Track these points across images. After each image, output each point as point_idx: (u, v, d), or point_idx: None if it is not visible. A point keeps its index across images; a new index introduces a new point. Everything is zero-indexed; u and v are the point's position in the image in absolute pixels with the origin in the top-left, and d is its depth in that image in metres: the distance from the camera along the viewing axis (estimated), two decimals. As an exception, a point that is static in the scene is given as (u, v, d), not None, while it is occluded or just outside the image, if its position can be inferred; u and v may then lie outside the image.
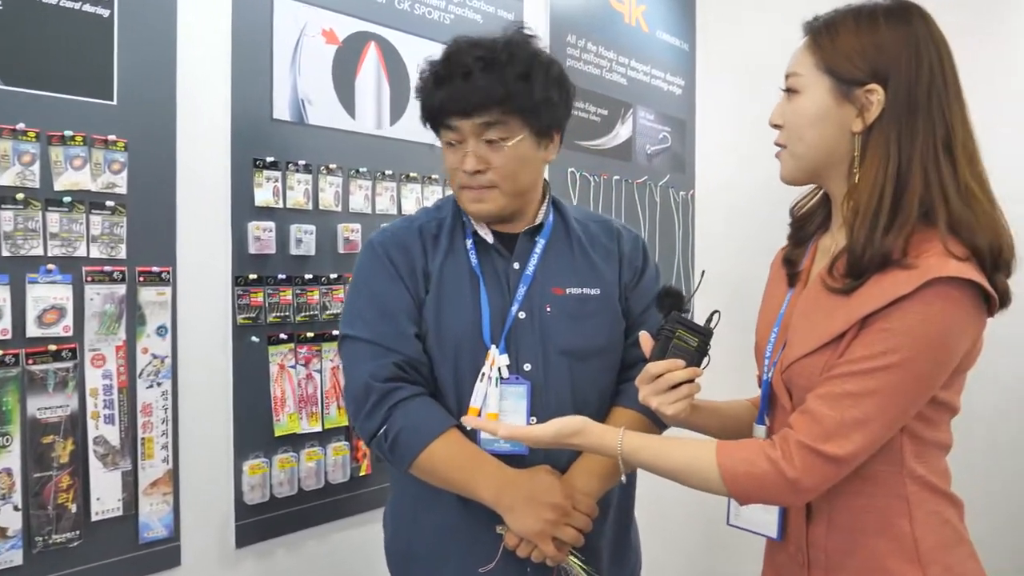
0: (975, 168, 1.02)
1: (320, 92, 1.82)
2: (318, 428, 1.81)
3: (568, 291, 1.35)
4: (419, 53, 2.01)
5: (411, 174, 2.01)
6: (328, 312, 1.83)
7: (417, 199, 2.02)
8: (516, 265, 1.35)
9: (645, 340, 1.16)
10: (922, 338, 0.95)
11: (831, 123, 1.04)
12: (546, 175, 2.36)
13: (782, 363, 1.09)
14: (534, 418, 1.29)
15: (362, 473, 1.91)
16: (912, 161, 0.98)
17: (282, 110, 1.75)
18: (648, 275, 1.43)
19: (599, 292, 1.36)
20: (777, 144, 1.12)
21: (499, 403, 1.28)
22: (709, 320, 1.15)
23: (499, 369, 1.29)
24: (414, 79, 1.43)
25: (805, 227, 1.19)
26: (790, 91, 1.09)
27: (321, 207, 1.81)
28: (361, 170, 1.89)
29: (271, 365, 1.73)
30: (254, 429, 1.71)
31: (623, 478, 1.16)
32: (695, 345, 1.12)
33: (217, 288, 1.65)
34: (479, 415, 1.26)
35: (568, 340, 1.33)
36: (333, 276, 1.84)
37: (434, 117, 1.31)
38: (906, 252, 0.97)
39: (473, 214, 1.34)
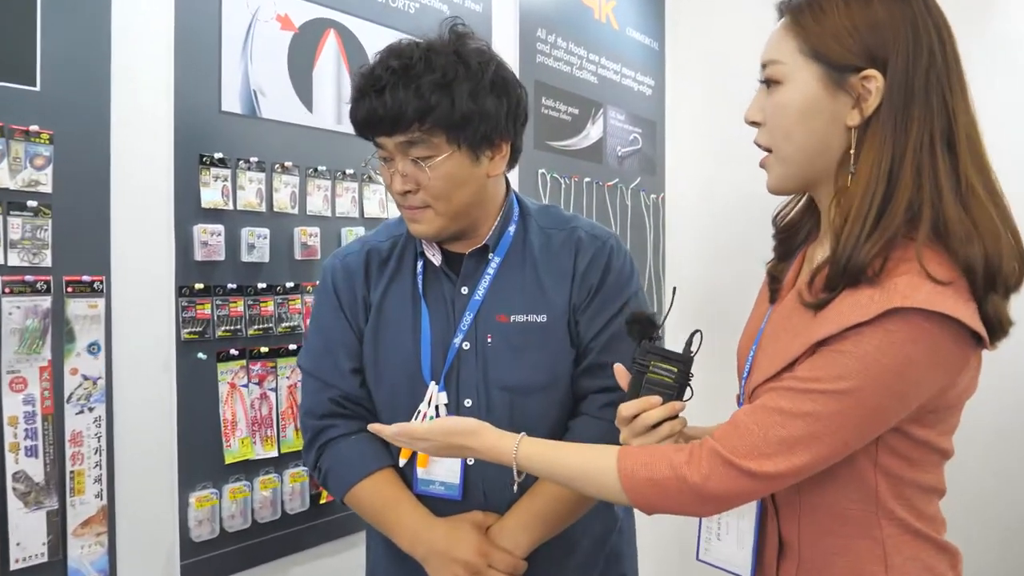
0: (980, 162, 0.89)
1: (274, 83, 1.66)
2: (273, 453, 1.64)
3: (513, 319, 1.24)
4: (382, 43, 1.87)
5: (374, 174, 1.85)
6: (284, 324, 1.66)
7: (381, 201, 1.87)
8: (464, 289, 1.25)
9: (620, 373, 1.04)
10: (876, 367, 0.82)
11: (822, 117, 0.89)
12: (514, 180, 2.23)
13: (748, 387, 0.98)
14: (471, 460, 1.21)
15: (323, 501, 1.74)
16: (905, 157, 0.85)
17: (232, 102, 1.58)
18: (607, 291, 1.25)
19: (545, 319, 1.24)
20: (759, 146, 0.97)
21: None
22: (689, 344, 1.01)
23: (436, 408, 1.22)
24: None
25: (791, 239, 1.06)
26: (769, 82, 0.93)
27: (276, 209, 1.65)
28: (320, 169, 1.73)
29: (220, 384, 1.56)
30: (202, 457, 1.53)
31: (514, 487, 1.06)
32: (673, 377, 0.99)
33: (158, 299, 1.47)
34: (412, 455, 1.23)
35: (508, 375, 1.23)
36: (289, 285, 1.67)
37: (359, 133, 1.21)
38: (884, 266, 0.84)
39: (413, 235, 1.24)
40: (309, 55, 1.73)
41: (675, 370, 0.99)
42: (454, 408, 1.22)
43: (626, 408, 0.99)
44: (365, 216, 1.83)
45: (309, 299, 1.71)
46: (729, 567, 1.03)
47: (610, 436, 1.05)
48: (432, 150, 1.15)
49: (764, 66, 0.94)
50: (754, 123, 0.96)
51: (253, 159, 1.60)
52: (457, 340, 1.22)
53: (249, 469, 1.60)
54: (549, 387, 1.24)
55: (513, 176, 2.31)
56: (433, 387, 1.22)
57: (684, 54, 3.08)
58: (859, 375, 0.82)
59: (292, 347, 1.67)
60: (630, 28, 2.86)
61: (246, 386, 1.60)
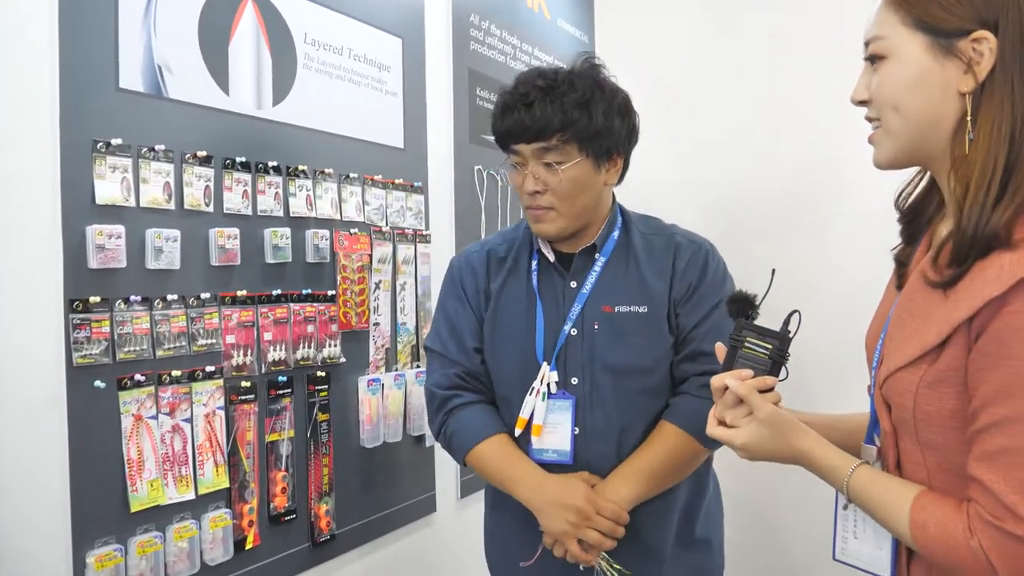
0: None
1: (183, 58, 1.41)
2: (190, 495, 1.39)
3: (617, 309, 1.39)
4: (306, 19, 1.66)
5: (300, 167, 1.62)
6: (200, 343, 1.41)
7: (308, 198, 1.64)
8: (573, 284, 1.42)
9: (719, 350, 1.08)
10: None
11: (933, 86, 0.87)
12: (449, 176, 2.04)
13: (879, 377, 0.95)
14: (578, 428, 1.38)
15: (249, 546, 1.50)
16: None
17: (132, 78, 1.32)
18: (705, 288, 1.39)
19: (646, 310, 1.38)
20: (868, 120, 0.95)
21: (545, 415, 1.38)
22: (786, 323, 1.02)
23: (548, 384, 1.38)
24: (301, 49, 1.52)
25: (916, 219, 1.02)
26: (874, 58, 0.92)
27: (187, 206, 1.40)
28: (238, 160, 1.49)
29: (123, 417, 1.29)
30: (102, 506, 1.27)
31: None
32: (768, 352, 1.01)
33: (44, 316, 1.21)
34: (527, 425, 1.39)
35: (611, 357, 1.38)
36: (205, 295, 1.42)
37: (501, 143, 1.39)
38: (1011, 233, 0.80)
39: (536, 233, 1.41)
40: (224, 28, 1.48)
41: (769, 347, 1.02)
42: (563, 384, 1.39)
43: (717, 379, 1.00)
44: (291, 215, 1.60)
45: (228, 311, 1.46)
46: (867, 567, 1.00)
47: (705, 411, 1.10)
48: (564, 156, 1.33)
49: (867, 44, 0.93)
50: (862, 102, 0.94)
51: (159, 147, 1.34)
52: (567, 327, 1.39)
53: (160, 516, 1.35)
54: (648, 370, 1.38)
55: (449, 172, 2.12)
56: (545, 367, 1.39)
57: (613, 47, 2.96)
58: None
59: (210, 368, 1.42)
60: (561, 19, 2.72)
61: (155, 418, 1.34)
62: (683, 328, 1.39)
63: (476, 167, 2.22)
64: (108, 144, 1.27)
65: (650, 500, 1.37)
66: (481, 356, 1.46)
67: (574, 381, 1.39)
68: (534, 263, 1.45)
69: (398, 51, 1.93)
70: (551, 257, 1.43)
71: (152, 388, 1.34)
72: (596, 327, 1.39)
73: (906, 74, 0.88)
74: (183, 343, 1.39)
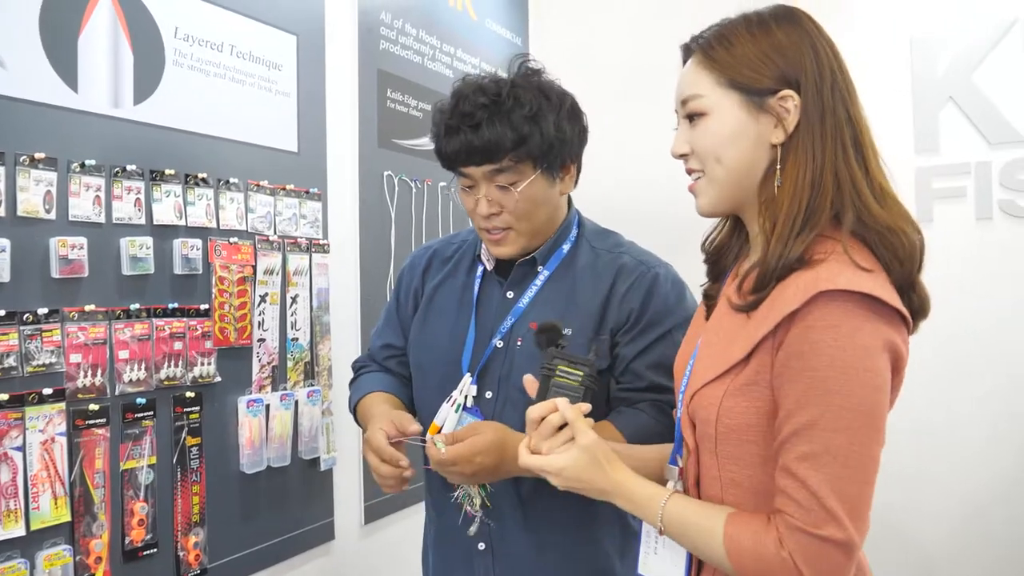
0: (878, 163, 0.97)
1: (19, 50, 1.28)
2: (19, 531, 1.26)
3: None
4: (177, 13, 1.54)
5: (167, 171, 1.50)
6: (36, 362, 1.29)
7: (176, 205, 1.51)
8: (509, 294, 1.36)
9: (529, 383, 1.09)
10: (845, 365, 0.85)
11: (749, 138, 0.96)
12: (353, 181, 1.93)
13: (687, 395, 1.00)
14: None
15: (96, 583, 1.37)
16: (824, 165, 0.94)
17: (-48, 72, 1.20)
18: (651, 316, 1.30)
19: (570, 333, 1.27)
20: (691, 171, 1.02)
21: (456, 427, 1.29)
22: (594, 350, 1.08)
23: (466, 397, 1.32)
24: (171, 44, 1.42)
25: (721, 260, 1.11)
26: (693, 116, 0.99)
27: (21, 213, 1.27)
28: (88, 163, 1.37)
29: (-65, 446, 1.17)
30: (-96, 545, 1.14)
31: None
32: (579, 379, 1.03)
33: None
34: (439, 432, 1.29)
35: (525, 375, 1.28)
36: (43, 311, 1.30)
37: (447, 165, 1.31)
38: (812, 258, 0.90)
39: (495, 256, 1.35)
40: (72, 18, 1.36)
41: (580, 374, 1.03)
42: (478, 398, 1.32)
43: (533, 410, 1.01)
44: (154, 223, 1.47)
45: (73, 327, 1.34)
46: None
47: (655, 430, 1.20)
48: (517, 176, 1.25)
49: (684, 102, 1.00)
50: (682, 155, 1.02)
51: (-17, 148, 1.22)
52: (495, 340, 1.33)
53: (-18, 556, 1.22)
54: None
55: (353, 178, 2.01)
56: (467, 378, 1.32)
57: (549, 52, 2.86)
58: (834, 378, 0.85)
59: (48, 391, 1.30)
60: (489, 20, 2.62)
61: (-24, 446, 1.21)
62: (623, 357, 1.30)
63: (386, 173, 2.10)
64: (-82, 144, 1.15)
65: (548, 531, 1.29)
66: (396, 354, 1.47)
67: (488, 395, 1.32)
68: (479, 269, 1.39)
69: (292, 49, 1.81)
70: (489, 265, 1.38)
71: (-27, 413, 1.21)
72: (519, 343, 1.31)
73: (726, 128, 0.96)
74: (15, 364, 1.26)
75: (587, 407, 1.02)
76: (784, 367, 0.88)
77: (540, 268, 1.35)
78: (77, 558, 1.34)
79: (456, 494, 1.29)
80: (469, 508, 1.28)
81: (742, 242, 1.08)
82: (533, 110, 1.24)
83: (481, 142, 1.23)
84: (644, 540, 1.05)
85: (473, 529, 1.29)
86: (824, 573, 0.85)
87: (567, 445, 0.98)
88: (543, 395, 1.03)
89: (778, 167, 0.95)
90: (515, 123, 1.23)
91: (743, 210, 1.02)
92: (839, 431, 0.85)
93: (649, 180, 2.60)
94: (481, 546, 1.34)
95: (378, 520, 2.03)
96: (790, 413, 0.87)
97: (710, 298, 1.09)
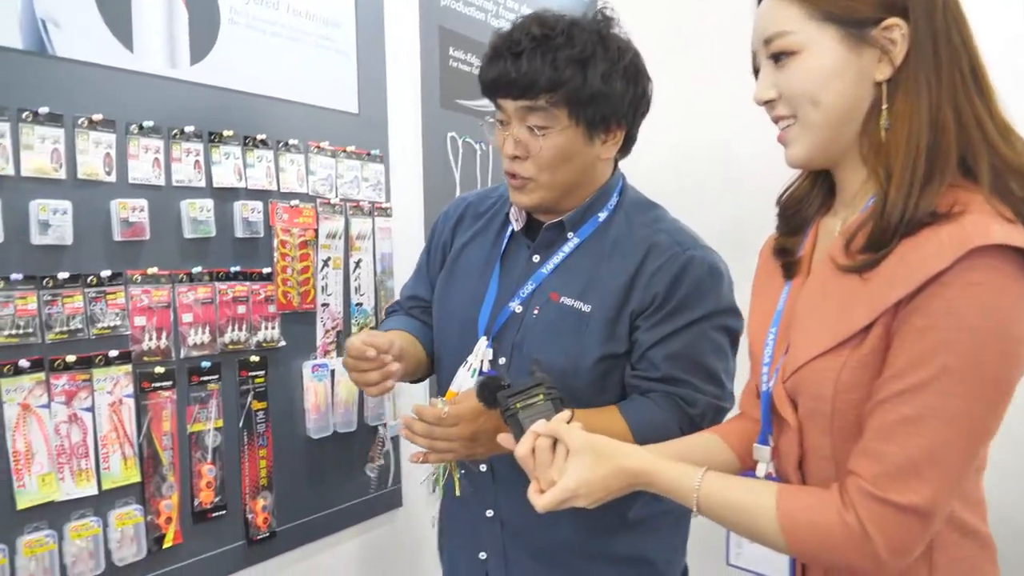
0: (997, 101, 0.86)
1: (73, 11, 1.28)
2: (91, 490, 1.27)
3: (562, 299, 1.25)
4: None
5: (225, 133, 1.48)
6: (101, 325, 1.29)
7: (236, 167, 1.50)
8: (535, 258, 1.29)
9: (505, 441, 1.04)
10: (979, 328, 0.76)
11: (850, 77, 0.86)
12: (417, 143, 1.88)
13: (785, 369, 0.91)
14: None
15: (168, 544, 1.38)
16: (942, 100, 0.84)
17: (9, 34, 1.20)
18: (676, 303, 1.20)
19: (589, 310, 1.23)
20: (780, 118, 0.92)
21: None
22: (532, 371, 1.03)
23: (482, 361, 1.26)
24: (226, 3, 1.37)
25: (801, 212, 1.01)
26: (781, 55, 0.89)
27: (81, 175, 1.27)
28: (146, 125, 1.36)
29: (7, 407, 1.18)
30: (-21, 503, 1.16)
31: None
32: (542, 398, 1.00)
33: (-98, 297, 1.10)
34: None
35: (535, 349, 1.24)
36: (106, 274, 1.30)
37: (486, 94, 1.25)
38: (949, 210, 0.80)
39: (514, 203, 1.29)
40: (126, -21, 1.35)
41: (539, 394, 1.00)
42: (494, 364, 1.27)
43: (519, 449, 0.94)
44: (214, 185, 1.46)
45: (136, 290, 1.34)
46: (764, 570, 0.97)
47: (661, 422, 1.15)
48: (550, 121, 1.18)
49: (767, 42, 0.90)
50: (767, 102, 0.92)
51: (43, 110, 1.22)
52: (512, 304, 1.26)
53: (55, 514, 1.23)
54: (568, 373, 1.22)
55: (416, 140, 1.96)
56: (482, 342, 1.26)
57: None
58: (964, 342, 0.76)
59: (113, 353, 1.30)
60: (555, -26, 2.52)
61: (46, 407, 1.23)
62: (641, 344, 1.21)
63: (449, 134, 2.05)
64: (-21, 107, 1.15)
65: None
66: (421, 304, 1.44)
67: (502, 361, 1.27)
68: (509, 228, 1.33)
69: (350, 5, 1.77)
70: (517, 225, 1.31)
71: (42, 375, 1.22)
72: (536, 313, 1.25)
73: (823, 66, 0.86)
74: (80, 326, 1.27)
75: (566, 414, 0.97)
76: (904, 324, 0.79)
77: (570, 234, 1.27)
78: (148, 518, 1.35)
79: (429, 475, 1.30)
80: (437, 489, 1.31)
81: (824, 193, 0.99)
82: (583, 54, 1.16)
83: (518, 73, 1.15)
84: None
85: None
86: (899, 542, 0.79)
87: (566, 460, 0.92)
88: (519, 433, 0.98)
89: (884, 107, 0.85)
90: (558, 62, 1.15)
91: (839, 159, 0.92)
92: (955, 396, 0.77)
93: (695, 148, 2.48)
94: (489, 513, 1.32)
95: (447, 487, 2.01)
96: (900, 372, 0.79)
97: (787, 252, 1.00)
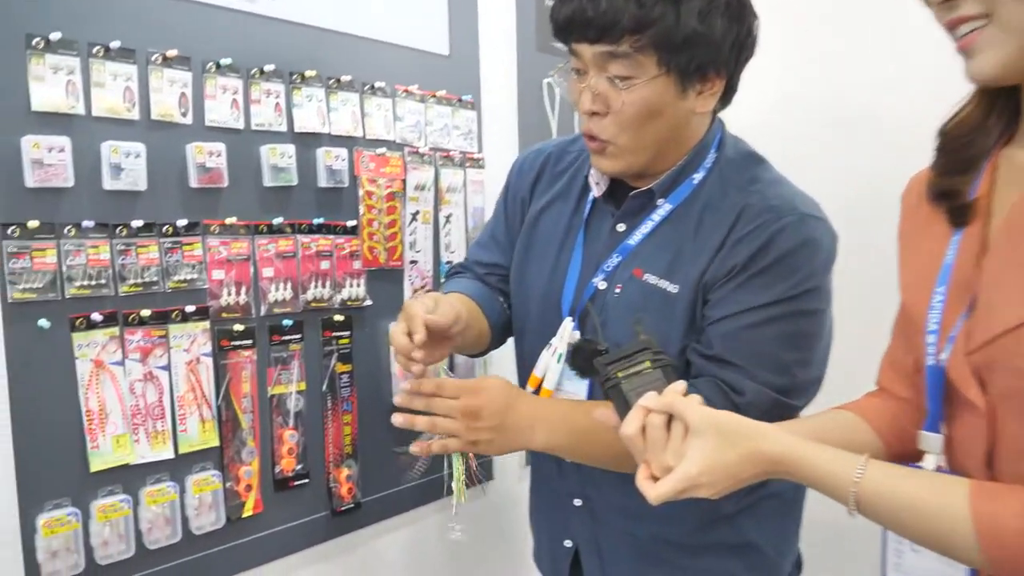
0: None
1: (146, -63, 1.18)
2: (168, 453, 1.19)
3: (646, 277, 1.09)
4: None
5: (307, 73, 1.36)
6: (178, 277, 1.21)
7: (319, 110, 1.38)
8: (620, 227, 1.12)
9: (603, 416, 0.89)
10: None
11: None
12: (512, 90, 1.72)
13: (971, 338, 0.75)
14: None
15: (247, 513, 1.30)
16: None
17: (78, -39, 1.11)
18: (753, 273, 1.01)
19: (676, 291, 1.06)
20: (964, 20, 0.73)
21: (559, 381, 1.12)
22: (636, 332, 0.89)
23: (568, 345, 1.10)
24: None
25: (974, 143, 0.83)
26: None
27: (155, 116, 1.18)
28: (224, 63, 1.25)
29: (79, 362, 1.11)
30: (53, 463, 1.09)
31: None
32: (648, 365, 0.85)
33: (-31, 243, 1.03)
34: (538, 387, 1.12)
35: (616, 333, 1.06)
36: (182, 223, 1.21)
37: (559, 37, 1.05)
38: None
39: (595, 167, 1.11)
40: (201, -98, 1.24)
41: (645, 360, 0.86)
42: None
43: (626, 426, 0.81)
44: (296, 130, 1.35)
45: (214, 241, 1.25)
46: None
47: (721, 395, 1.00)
48: (635, 70, 0.99)
49: None
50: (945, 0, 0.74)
51: (113, 44, 1.13)
52: (596, 279, 1.11)
53: (130, 477, 1.16)
54: None
55: (510, 85, 1.81)
56: (568, 323, 1.11)
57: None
58: None
59: (190, 308, 1.21)
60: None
61: (120, 364, 1.15)
62: (707, 317, 1.05)
63: (545, 80, 1.88)
64: (47, 40, 1.07)
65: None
66: (495, 272, 1.27)
67: None
68: (590, 194, 1.16)
69: (439, -62, 1.62)
70: (597, 190, 1.14)
71: (116, 330, 1.14)
72: (618, 291, 1.09)
73: None
74: (156, 278, 1.18)
75: (681, 384, 0.83)
76: None
77: (660, 201, 1.09)
78: (227, 484, 1.27)
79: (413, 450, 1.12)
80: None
81: (1006, 119, 0.82)
82: None
83: (596, 12, 0.96)
84: (892, 535, 0.83)
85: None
86: None
87: (686, 442, 0.78)
88: (624, 408, 0.84)
89: None
90: None
91: None
92: None
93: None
94: (577, 502, 1.19)
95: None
96: None
97: (952, 195, 0.83)
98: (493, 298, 1.26)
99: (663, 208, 1.09)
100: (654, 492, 0.78)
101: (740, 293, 1.02)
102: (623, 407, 0.84)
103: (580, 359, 0.95)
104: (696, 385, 1.01)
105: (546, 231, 1.20)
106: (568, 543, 1.23)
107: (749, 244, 1.02)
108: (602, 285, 1.11)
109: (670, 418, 0.80)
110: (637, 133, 1.02)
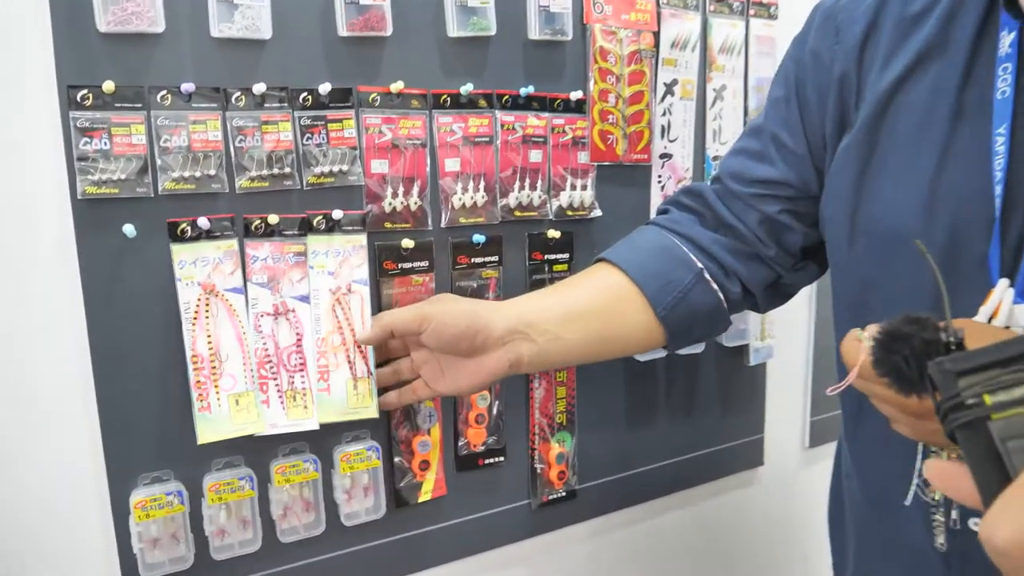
0: None
1: None
2: (310, 423, 0.85)
3: None
4: None
5: None
6: (320, 170, 0.83)
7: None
8: None
9: (940, 473, 0.43)
10: None
11: None
12: None
13: None
14: None
15: (423, 498, 0.95)
16: None
17: None
18: None
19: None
20: None
21: None
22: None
23: (1008, 327, 0.59)
24: None
25: None
26: None
27: (283, -76, 0.79)
28: None
29: (181, 287, 0.79)
30: (150, 429, 0.79)
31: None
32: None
33: (24, 114, 0.72)
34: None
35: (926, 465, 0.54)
36: (325, 89, 0.83)
37: None
38: None
39: None
40: None
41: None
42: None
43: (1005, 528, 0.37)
44: (496, -49, 0.90)
45: (374, 117, 0.85)
46: None
47: None
48: None
49: None
50: None
51: None
52: None
53: (254, 450, 0.84)
54: None
55: None
56: (1002, 284, 0.60)
57: None
58: None
59: (338, 214, 0.84)
60: None
61: (240, 291, 0.81)
62: None
63: None
64: None
65: None
66: (771, 193, 0.80)
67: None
68: (1005, 33, 0.63)
69: None
70: None
71: (233, 242, 0.80)
72: None
73: None
74: (287, 169, 0.82)
75: None
76: None
77: None
78: (397, 459, 0.92)
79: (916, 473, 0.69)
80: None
81: None
82: None
83: None
84: None
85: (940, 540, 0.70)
86: None
87: None
88: (986, 468, 0.38)
89: None
90: None
91: None
92: None
93: None
94: (941, 545, 0.73)
95: (829, 444, 1.35)
96: None
97: None
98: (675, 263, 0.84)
99: None
100: None
101: None
102: (987, 465, 0.39)
103: (896, 357, 0.47)
104: None
105: (915, 117, 0.68)
106: None
107: None
108: None
109: None
110: None
